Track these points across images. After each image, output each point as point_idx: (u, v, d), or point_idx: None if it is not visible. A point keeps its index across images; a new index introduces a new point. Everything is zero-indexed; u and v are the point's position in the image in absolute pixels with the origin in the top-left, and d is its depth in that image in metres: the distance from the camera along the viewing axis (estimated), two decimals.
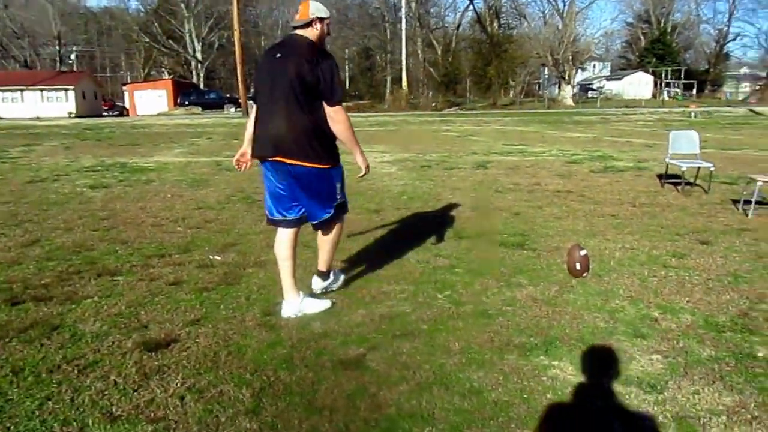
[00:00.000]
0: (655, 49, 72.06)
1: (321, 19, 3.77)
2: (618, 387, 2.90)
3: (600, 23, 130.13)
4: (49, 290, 4.30)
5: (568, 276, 4.60)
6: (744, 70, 79.80)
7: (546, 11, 59.42)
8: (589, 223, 6.51)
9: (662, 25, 74.90)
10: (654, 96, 61.53)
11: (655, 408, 2.70)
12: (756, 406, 2.71)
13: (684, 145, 8.50)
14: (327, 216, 3.92)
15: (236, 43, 36.51)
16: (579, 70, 57.78)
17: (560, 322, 3.69)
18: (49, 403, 2.76)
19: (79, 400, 2.78)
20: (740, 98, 61.86)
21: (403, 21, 49.37)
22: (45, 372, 3.05)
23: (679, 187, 8.42)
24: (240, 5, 35.63)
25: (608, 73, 76.30)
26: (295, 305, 3.88)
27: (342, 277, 4.47)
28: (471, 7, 58.34)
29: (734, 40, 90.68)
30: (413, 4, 54.32)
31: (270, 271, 4.73)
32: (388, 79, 54.68)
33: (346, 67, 75.40)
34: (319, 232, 4.06)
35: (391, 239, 5.91)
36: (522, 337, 3.48)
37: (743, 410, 2.68)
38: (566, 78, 49.37)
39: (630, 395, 2.82)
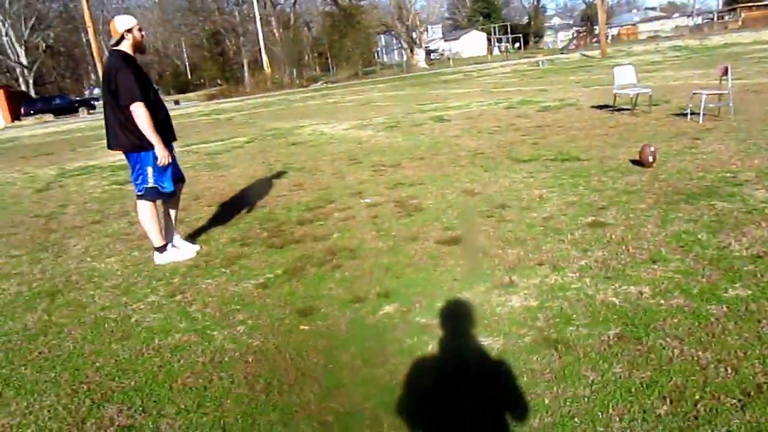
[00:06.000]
0: (480, 8, 78.10)
1: (129, 30, 4.45)
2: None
3: None
4: None
5: (643, 168, 6.57)
6: (555, 20, 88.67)
7: None
8: (603, 141, 8.54)
9: None
10: (490, 52, 66.85)
11: None
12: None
13: (625, 78, 10.90)
14: (138, 194, 4.81)
15: (92, 40, 34.89)
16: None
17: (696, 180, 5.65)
18: None
19: None
20: (560, 47, 68.62)
21: (255, 2, 49.63)
22: None
23: (629, 111, 10.85)
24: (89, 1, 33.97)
25: (440, 36, 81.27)
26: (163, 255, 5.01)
27: (188, 248, 5.20)
28: None
29: None
30: None
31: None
32: (245, 62, 54.73)
33: (185, 53, 73.10)
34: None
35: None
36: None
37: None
38: (417, 42, 52.61)
39: None
